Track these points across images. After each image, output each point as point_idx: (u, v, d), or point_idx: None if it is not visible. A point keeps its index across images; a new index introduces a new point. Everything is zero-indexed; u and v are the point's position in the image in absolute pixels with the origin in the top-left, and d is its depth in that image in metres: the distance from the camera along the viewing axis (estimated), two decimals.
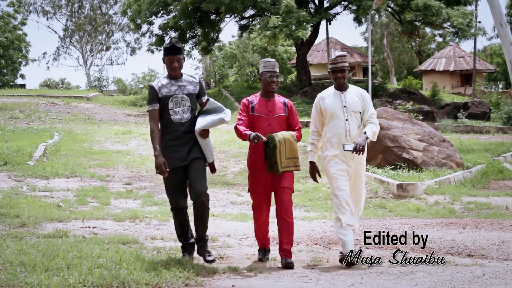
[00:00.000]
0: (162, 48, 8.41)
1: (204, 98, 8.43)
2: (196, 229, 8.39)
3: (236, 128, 8.41)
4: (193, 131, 8.21)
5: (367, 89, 29.15)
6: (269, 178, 8.47)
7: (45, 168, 17.06)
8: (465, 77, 60.42)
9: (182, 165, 8.22)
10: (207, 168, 8.48)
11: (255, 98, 8.65)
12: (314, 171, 8.82)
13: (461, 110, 35.56)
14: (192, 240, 8.55)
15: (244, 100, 8.62)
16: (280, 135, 8.31)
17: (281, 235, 8.41)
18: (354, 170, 8.59)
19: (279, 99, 8.67)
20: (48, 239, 9.31)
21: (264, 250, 8.86)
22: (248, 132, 8.22)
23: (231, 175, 17.66)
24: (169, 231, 10.38)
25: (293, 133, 8.48)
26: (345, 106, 8.55)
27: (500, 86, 75.70)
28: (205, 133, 8.19)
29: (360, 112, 8.62)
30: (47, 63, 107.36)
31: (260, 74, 8.67)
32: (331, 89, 8.75)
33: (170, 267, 7.71)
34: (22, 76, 68.22)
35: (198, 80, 8.50)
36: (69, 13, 69.01)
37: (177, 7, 38.89)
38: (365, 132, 8.44)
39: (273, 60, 8.65)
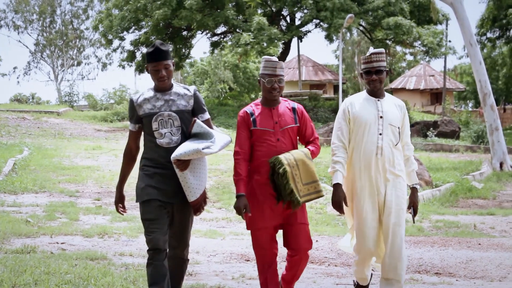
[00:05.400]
0: (145, 54, 6.45)
1: (204, 116, 6.47)
2: (170, 280, 6.41)
3: (234, 166, 6.50)
4: None
5: (337, 107, 29.19)
6: (277, 208, 6.45)
7: (14, 183, 16.93)
8: (435, 96, 61.05)
9: (166, 201, 6.30)
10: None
11: (255, 107, 6.59)
12: (339, 197, 6.60)
13: (431, 129, 35.80)
14: None
15: (241, 113, 6.59)
16: (289, 156, 6.36)
17: (292, 268, 6.62)
18: (389, 204, 6.63)
19: (285, 104, 6.64)
20: (15, 254, 9.25)
21: None
22: (241, 190, 6.37)
23: None
24: (138, 247, 10.34)
25: (306, 150, 6.52)
26: (381, 117, 6.67)
27: (470, 105, 76.43)
28: (180, 164, 6.15)
29: (399, 127, 6.72)
30: (17, 78, 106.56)
31: (259, 77, 6.64)
32: (362, 94, 6.89)
33: (138, 283, 7.69)
34: None
35: (193, 92, 6.46)
36: (40, 28, 68.77)
37: (149, 23, 39.00)
38: (415, 186, 6.80)
39: (275, 59, 6.57)
